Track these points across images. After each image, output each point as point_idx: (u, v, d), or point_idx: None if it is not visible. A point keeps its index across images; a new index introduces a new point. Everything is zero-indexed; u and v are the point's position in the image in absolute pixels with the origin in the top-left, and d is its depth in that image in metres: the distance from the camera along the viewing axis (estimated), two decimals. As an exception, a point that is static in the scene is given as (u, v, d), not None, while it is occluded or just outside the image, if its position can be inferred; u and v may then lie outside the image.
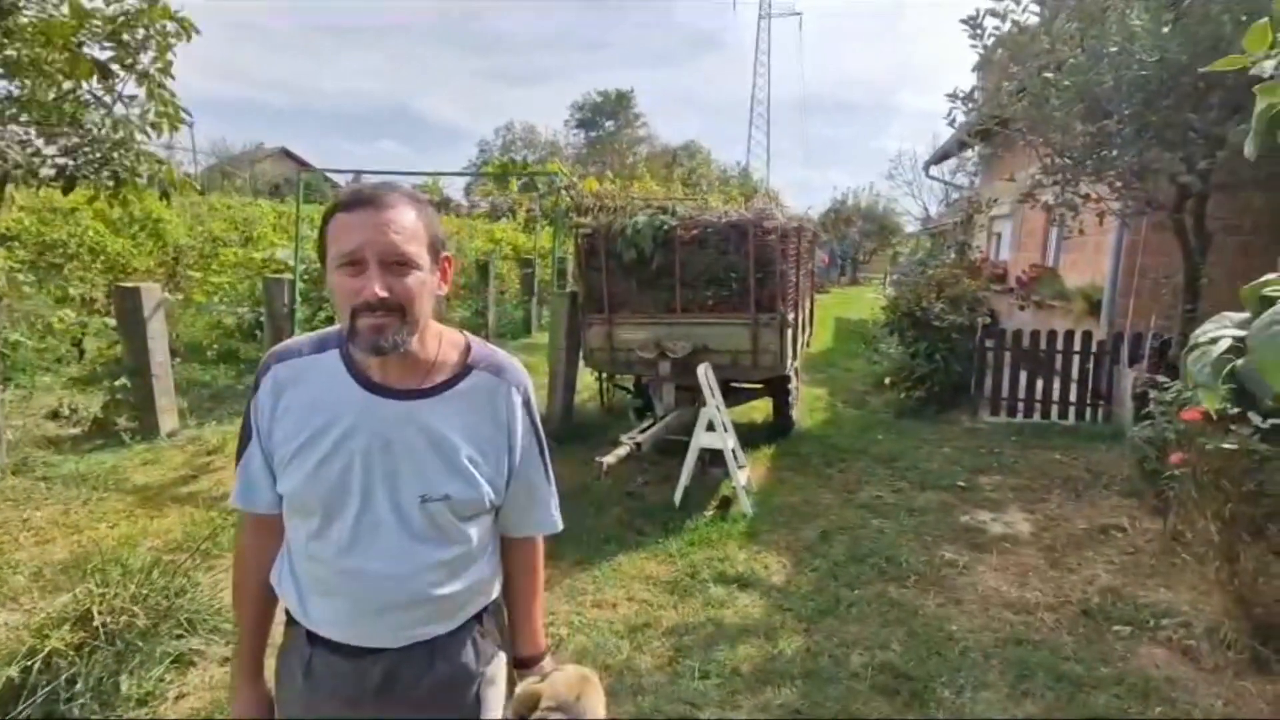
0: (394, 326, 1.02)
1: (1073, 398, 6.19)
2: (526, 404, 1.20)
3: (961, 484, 4.73)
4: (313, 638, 1.14)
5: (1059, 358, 6.24)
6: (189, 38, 3.73)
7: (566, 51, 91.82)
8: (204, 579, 2.89)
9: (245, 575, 1.24)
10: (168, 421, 5.37)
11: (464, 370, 1.15)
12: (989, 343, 6.52)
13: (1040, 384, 6.31)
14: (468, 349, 1.18)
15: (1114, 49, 4.08)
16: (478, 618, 1.21)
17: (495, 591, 1.26)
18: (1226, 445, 2.35)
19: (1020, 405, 6.35)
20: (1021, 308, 8.71)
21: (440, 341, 1.15)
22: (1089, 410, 6.13)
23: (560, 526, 1.28)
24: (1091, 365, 6.09)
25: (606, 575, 3.41)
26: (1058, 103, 4.52)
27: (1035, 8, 4.61)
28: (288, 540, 1.17)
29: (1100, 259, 6.86)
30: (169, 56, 3.72)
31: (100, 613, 2.36)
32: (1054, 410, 6.25)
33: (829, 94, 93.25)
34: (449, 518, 1.11)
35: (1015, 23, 4.62)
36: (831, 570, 3.49)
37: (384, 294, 1.00)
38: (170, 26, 3.63)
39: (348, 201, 1.04)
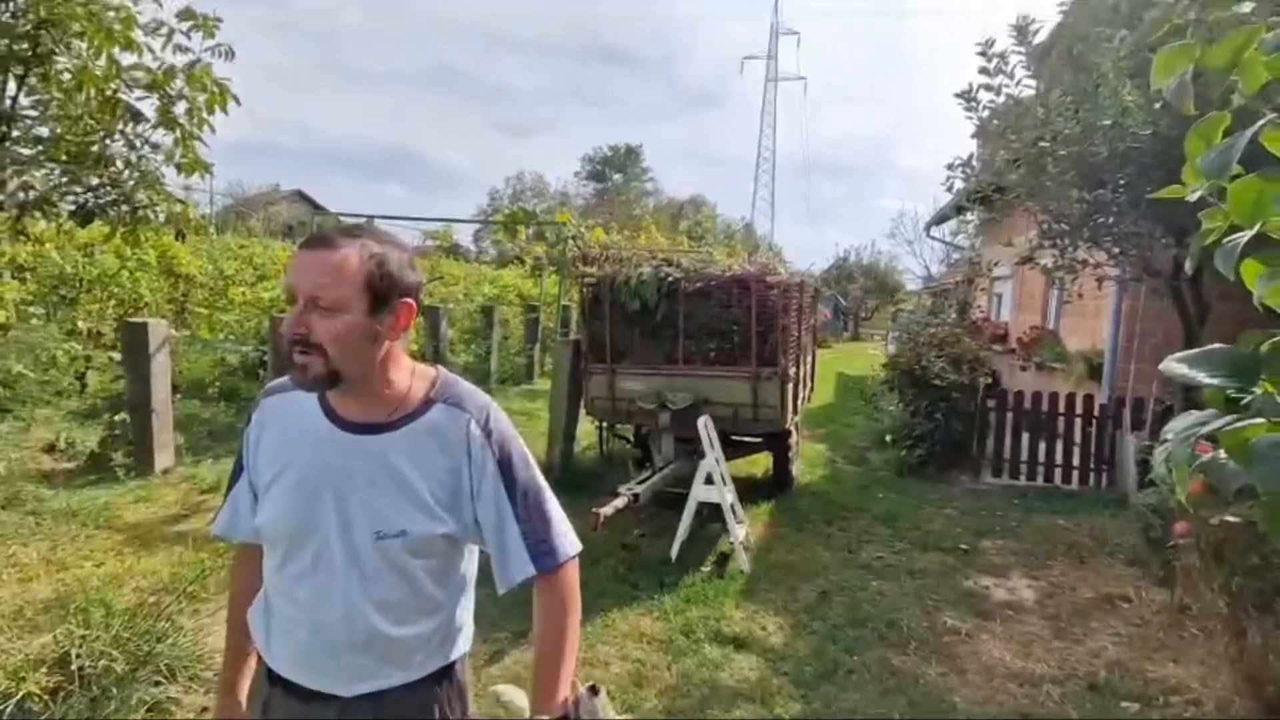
0: (314, 365, 1.03)
1: (1076, 462, 6.14)
2: (488, 434, 1.14)
3: (964, 547, 4.65)
4: (272, 676, 1.16)
5: (1061, 421, 6.22)
6: (224, 105, 3.89)
7: (569, 105, 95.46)
8: (188, 623, 2.83)
9: (233, 603, 1.29)
10: (164, 458, 5.34)
11: (426, 404, 1.14)
12: (990, 403, 6.52)
13: (1043, 447, 6.27)
14: (434, 383, 1.16)
15: (1107, 122, 4.22)
16: (438, 677, 1.17)
17: (460, 647, 1.21)
18: (1229, 519, 2.33)
19: (1023, 468, 6.29)
20: (1023, 368, 8.75)
21: (411, 377, 1.15)
22: (1092, 475, 6.07)
23: (531, 570, 1.13)
24: (1094, 430, 6.06)
25: (599, 631, 3.33)
26: (1054, 171, 4.64)
27: (1030, 82, 4.79)
28: (264, 574, 1.19)
29: (1100, 323, 6.93)
30: (204, 115, 3.88)
31: (79, 656, 2.30)
32: (1057, 474, 6.19)
33: (826, 153, 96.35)
34: (403, 556, 1.10)
35: (1010, 95, 4.79)
36: (830, 633, 3.40)
37: (299, 330, 1.02)
38: (208, 93, 3.79)
39: (304, 241, 1.08)
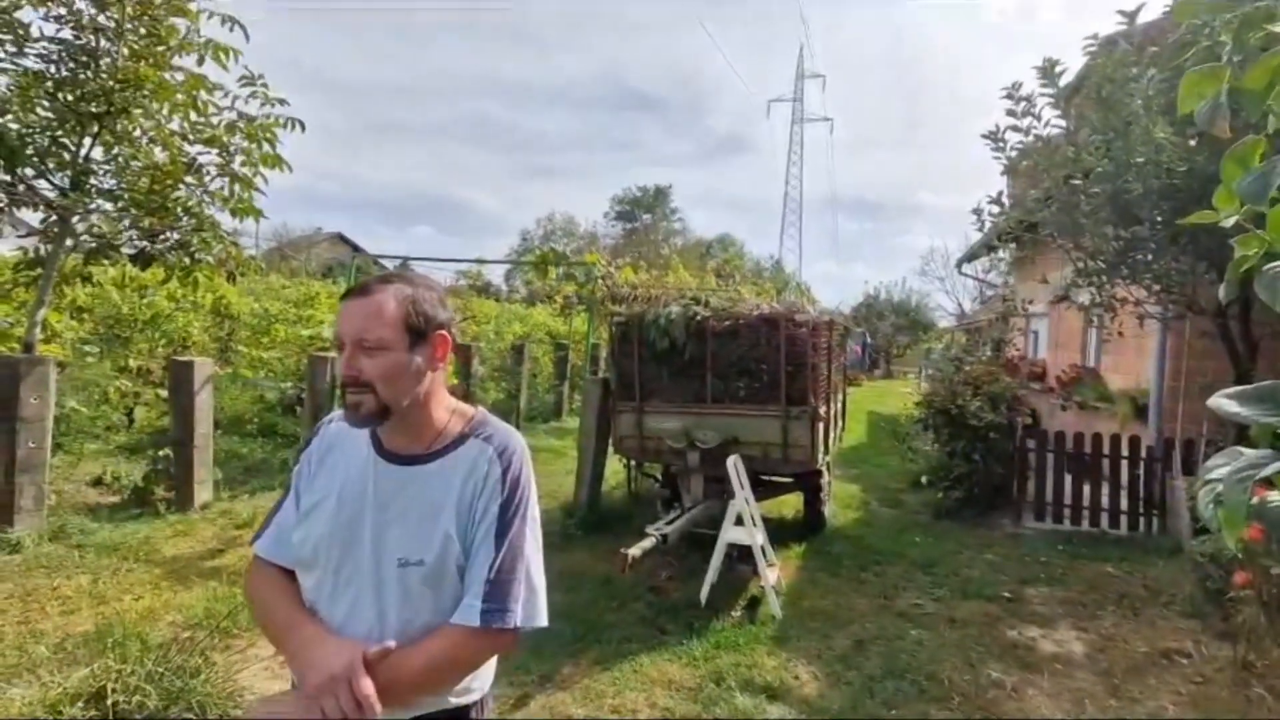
0: (366, 403, 1.12)
1: (1123, 506, 5.88)
2: (505, 469, 1.18)
3: (1007, 595, 4.46)
4: None
5: (1106, 463, 5.98)
6: (278, 165, 4.17)
7: (598, 151, 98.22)
8: (220, 659, 2.85)
9: (271, 603, 1.19)
10: (202, 493, 5.47)
11: (461, 439, 1.22)
12: (1031, 444, 6.31)
13: (1087, 490, 6.03)
14: (470, 419, 1.25)
15: (1140, 159, 4.17)
16: (461, 713, 1.19)
17: (480, 688, 1.23)
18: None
19: (1067, 512, 6.04)
20: (1063, 408, 8.48)
21: (451, 414, 1.23)
22: (1142, 520, 5.80)
23: (476, 623, 1.10)
24: (1142, 472, 5.81)
25: (627, 677, 3.25)
26: (1087, 208, 4.58)
27: (1059, 122, 4.77)
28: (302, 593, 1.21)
29: (1143, 361, 6.71)
30: (259, 167, 4.15)
31: (114, 690, 2.33)
32: (1104, 519, 5.92)
33: (852, 191, 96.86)
34: (421, 586, 1.14)
35: (1037, 136, 4.77)
36: (867, 685, 3.27)
37: (351, 373, 1.11)
38: (264, 142, 4.06)
39: (345, 292, 1.18)
